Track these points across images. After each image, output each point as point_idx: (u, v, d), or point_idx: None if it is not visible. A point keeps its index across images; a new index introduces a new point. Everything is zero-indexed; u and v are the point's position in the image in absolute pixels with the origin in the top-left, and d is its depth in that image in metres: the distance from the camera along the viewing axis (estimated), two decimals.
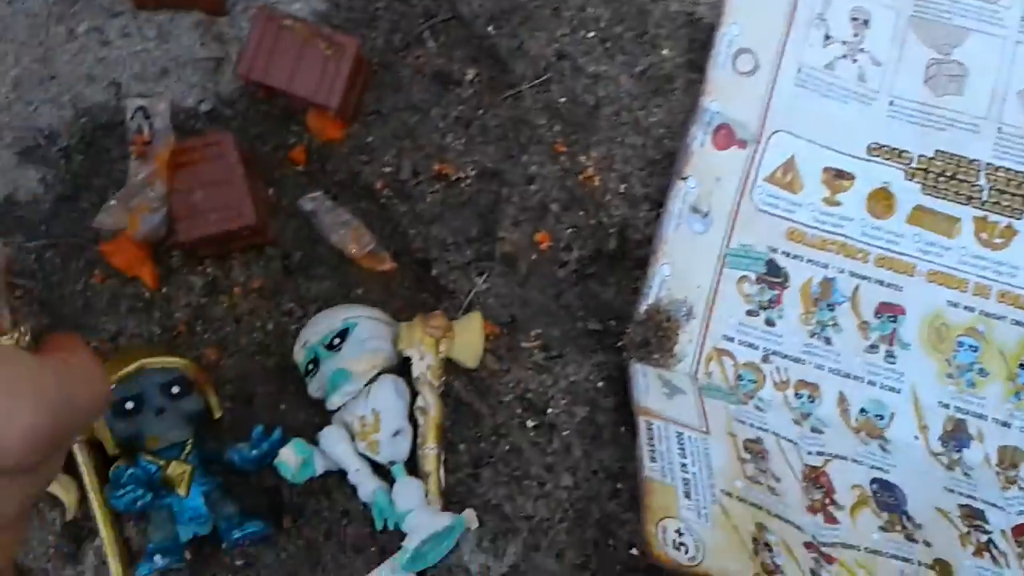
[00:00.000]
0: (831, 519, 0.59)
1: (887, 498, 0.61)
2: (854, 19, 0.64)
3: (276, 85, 0.62)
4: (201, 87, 0.67)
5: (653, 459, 0.57)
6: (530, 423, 0.63)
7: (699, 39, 0.65)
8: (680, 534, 0.53)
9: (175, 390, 0.63)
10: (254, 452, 0.63)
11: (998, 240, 0.64)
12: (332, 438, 0.62)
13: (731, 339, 0.66)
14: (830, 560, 0.56)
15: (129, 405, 0.62)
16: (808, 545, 0.56)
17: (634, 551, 0.61)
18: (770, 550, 0.54)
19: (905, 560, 0.57)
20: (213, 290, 0.68)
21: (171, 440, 0.62)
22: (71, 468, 0.63)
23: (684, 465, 0.58)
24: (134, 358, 0.63)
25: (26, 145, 0.66)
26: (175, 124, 0.66)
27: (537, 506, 0.61)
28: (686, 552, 0.52)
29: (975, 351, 0.65)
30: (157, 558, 0.60)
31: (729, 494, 0.57)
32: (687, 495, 0.56)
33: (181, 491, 0.62)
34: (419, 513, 0.60)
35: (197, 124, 0.68)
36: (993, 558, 0.59)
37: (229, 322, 0.68)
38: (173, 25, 0.67)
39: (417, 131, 0.68)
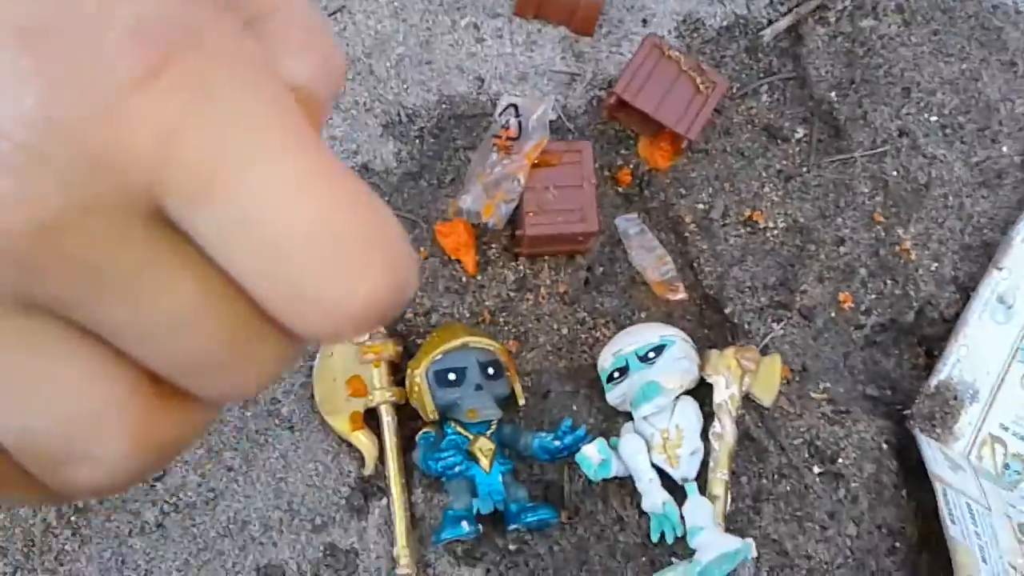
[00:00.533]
0: None
1: None
2: None
3: (644, 108, 0.67)
4: (552, 97, 0.72)
5: (953, 521, 0.60)
6: (816, 469, 0.67)
7: None
8: None
9: (491, 371, 0.67)
10: (557, 443, 0.66)
11: None
12: (632, 446, 0.66)
13: (1006, 428, 0.69)
14: None
15: (452, 376, 0.66)
16: None
17: None
18: None
19: None
20: (522, 286, 0.72)
21: (487, 416, 0.66)
22: (373, 427, 0.68)
23: (977, 533, 0.61)
24: (459, 334, 0.67)
25: (391, 119, 0.71)
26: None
27: (818, 548, 0.64)
28: None
29: None
30: (464, 524, 0.63)
31: (1014, 568, 0.60)
32: (984, 560, 0.59)
33: (484, 466, 0.66)
34: (709, 531, 0.63)
35: None
36: None
37: (531, 319, 0.72)
38: (541, 36, 0.73)
39: (737, 176, 0.73)
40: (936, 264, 0.70)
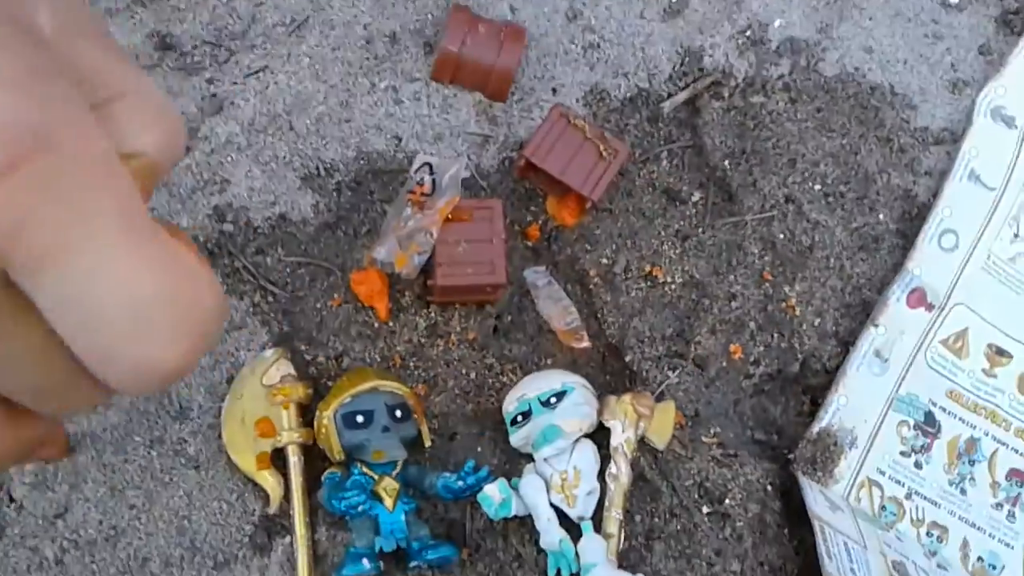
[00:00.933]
0: None
1: None
2: None
3: (551, 171, 0.72)
4: (466, 156, 0.77)
5: (829, 557, 0.64)
6: (705, 509, 0.70)
7: (911, 212, 0.76)
8: None
9: (398, 413, 0.69)
10: (460, 483, 0.69)
11: None
12: (532, 485, 0.69)
13: (883, 472, 0.74)
14: None
15: (359, 418, 0.68)
16: None
17: None
18: None
19: None
20: (433, 333, 0.75)
21: (393, 457, 0.68)
22: (279, 467, 0.69)
23: (852, 570, 0.64)
24: (368, 378, 0.70)
25: (309, 172, 0.75)
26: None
27: None
28: None
29: None
30: (364, 561, 0.65)
31: None
32: None
33: (388, 505, 0.68)
34: (602, 567, 0.66)
35: None
36: None
37: (440, 364, 0.75)
38: (456, 100, 0.78)
39: (639, 234, 0.78)
40: (819, 320, 0.75)
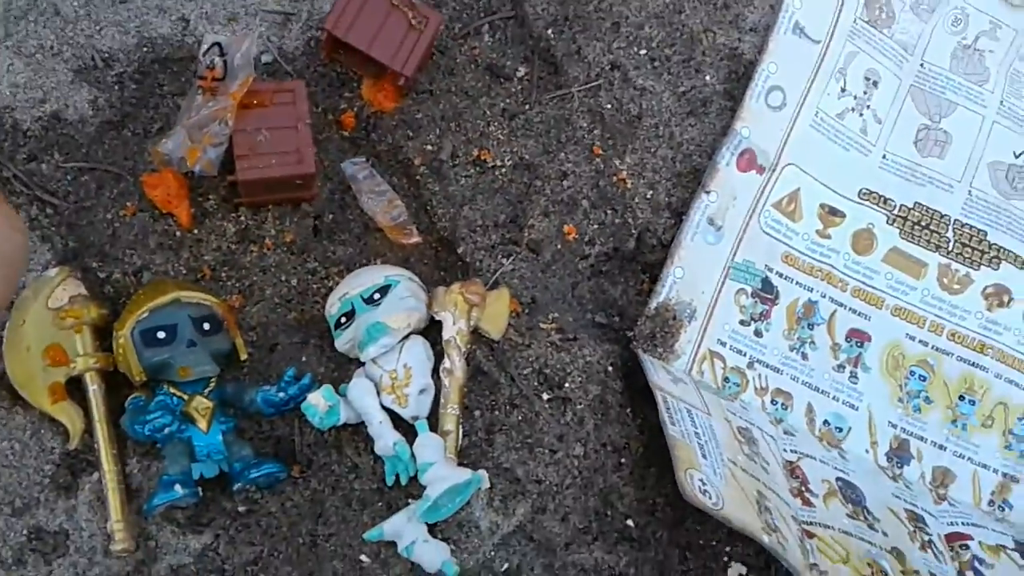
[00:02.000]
0: (808, 503, 0.66)
1: (850, 494, 0.69)
2: (867, 79, 0.74)
3: (356, 44, 0.65)
4: (266, 39, 0.69)
5: (672, 423, 0.62)
6: (546, 396, 0.67)
7: (737, 71, 0.73)
8: (704, 483, 0.58)
9: (206, 326, 0.63)
10: (281, 395, 0.64)
11: (956, 286, 0.74)
12: (360, 389, 0.64)
13: (724, 344, 0.73)
14: (811, 536, 0.63)
15: (161, 335, 0.62)
16: (793, 519, 0.63)
17: (630, 522, 0.66)
18: (770, 514, 0.60)
19: (870, 544, 0.65)
20: (244, 238, 0.69)
21: (202, 374, 0.62)
22: (78, 397, 0.62)
23: (696, 434, 0.63)
24: (168, 290, 0.63)
25: (83, 64, 0.66)
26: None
27: (548, 472, 0.65)
28: (710, 498, 0.57)
29: (924, 380, 0.75)
30: (177, 487, 0.59)
31: (734, 463, 0.63)
32: (703, 456, 0.62)
33: (202, 426, 0.63)
34: (440, 466, 0.63)
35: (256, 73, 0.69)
36: (935, 555, 0.68)
37: (256, 272, 0.69)
38: None
39: (463, 116, 0.73)
40: (651, 192, 0.72)
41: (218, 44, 0.65)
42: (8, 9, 0.65)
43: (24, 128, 0.65)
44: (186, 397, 0.62)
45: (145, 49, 0.67)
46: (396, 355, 0.65)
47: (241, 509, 0.64)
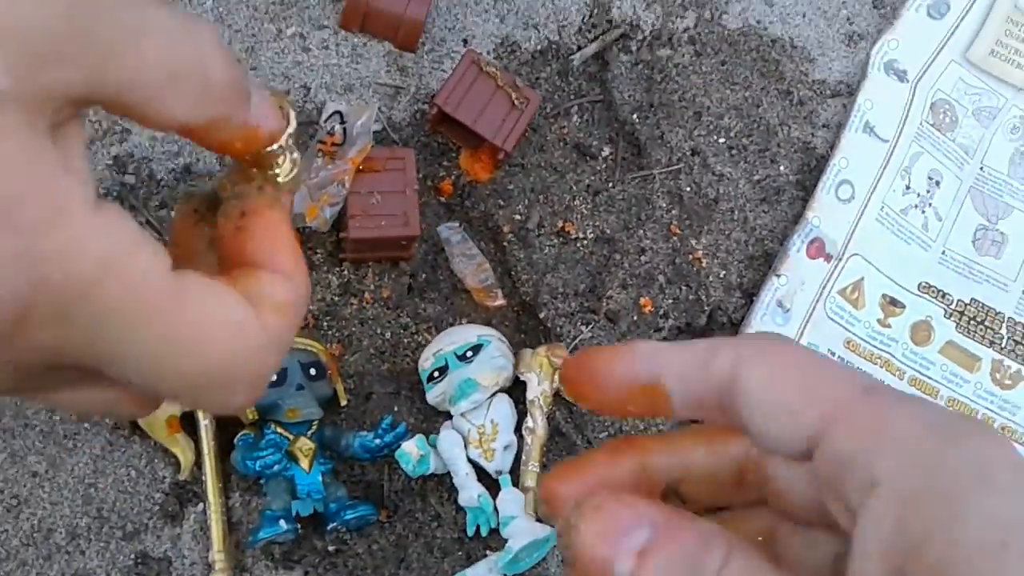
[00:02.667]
0: None
1: None
2: (930, 178, 0.79)
3: (463, 120, 0.71)
4: (377, 109, 0.75)
5: None
6: None
7: (810, 164, 0.79)
8: None
9: (313, 372, 0.68)
10: (377, 441, 0.68)
11: (1008, 381, 0.79)
12: (449, 440, 0.69)
13: None
14: None
15: (272, 376, 0.66)
16: None
17: None
18: None
19: None
20: (346, 291, 0.74)
21: (308, 416, 0.67)
22: (190, 431, 0.67)
23: None
24: None
25: None
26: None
27: None
28: None
29: None
30: (281, 523, 0.64)
31: None
32: None
33: (304, 466, 0.67)
34: (521, 521, 0.67)
35: None
36: None
37: (355, 323, 0.74)
38: (366, 49, 0.75)
39: (551, 189, 0.78)
40: (724, 272, 0.77)
41: (339, 112, 0.71)
42: None
43: (159, 178, 0.70)
44: (291, 437, 0.67)
45: None
46: (484, 411, 0.70)
47: (331, 548, 0.68)
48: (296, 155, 0.27)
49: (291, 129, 0.26)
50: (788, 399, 0.22)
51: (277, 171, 0.26)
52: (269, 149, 0.26)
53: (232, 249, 0.25)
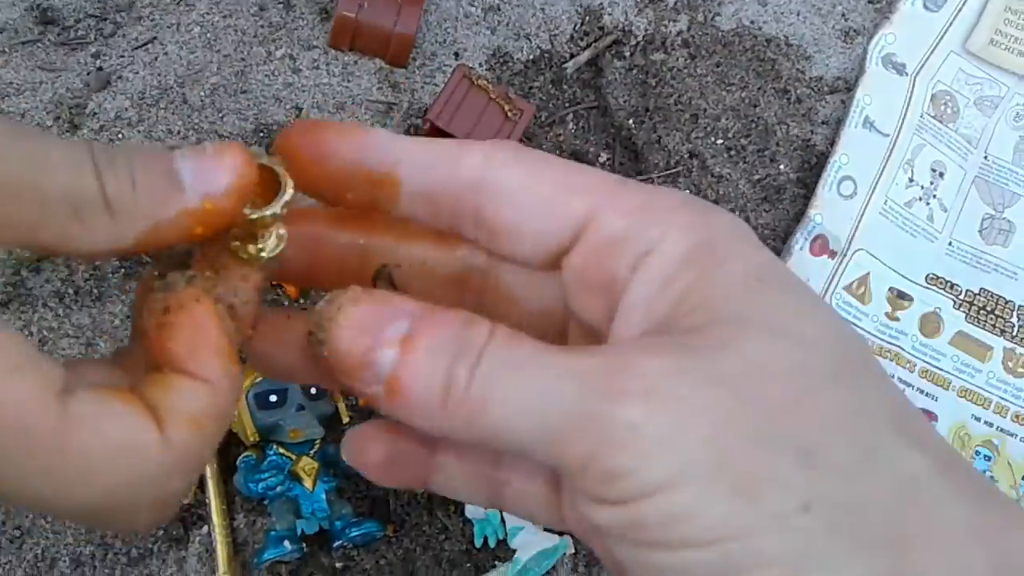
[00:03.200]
0: None
1: None
2: (933, 170, 0.78)
3: (457, 134, 0.71)
4: (370, 126, 0.75)
5: None
6: None
7: (810, 161, 0.78)
8: None
9: (313, 391, 0.68)
10: None
11: (1020, 369, 0.77)
12: None
13: None
14: None
15: (273, 398, 0.66)
16: None
17: None
18: None
19: None
20: None
21: (310, 436, 0.67)
22: None
23: None
24: None
25: None
26: None
27: None
28: None
29: (989, 460, 0.77)
30: (286, 543, 0.63)
31: None
32: None
33: (308, 485, 0.67)
34: (529, 531, 0.66)
35: None
36: None
37: None
38: (356, 67, 0.76)
39: None
40: None
41: None
42: (142, 97, 0.72)
43: None
44: (294, 457, 0.67)
45: (261, 134, 0.73)
46: None
47: (338, 565, 0.68)
48: (283, 230, 0.24)
49: (287, 196, 0.23)
50: (551, 193, 0.22)
51: (261, 245, 0.23)
52: (256, 215, 0.22)
53: (154, 346, 0.22)
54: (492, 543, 0.68)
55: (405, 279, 0.26)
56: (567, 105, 0.79)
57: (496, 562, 0.68)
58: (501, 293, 0.26)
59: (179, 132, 0.72)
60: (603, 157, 0.79)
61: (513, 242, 0.23)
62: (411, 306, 0.22)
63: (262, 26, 0.74)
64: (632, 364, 0.20)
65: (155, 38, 0.74)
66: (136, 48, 0.74)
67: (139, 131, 0.71)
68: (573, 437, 0.20)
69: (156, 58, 0.73)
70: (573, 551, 0.68)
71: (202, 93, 0.72)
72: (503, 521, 0.67)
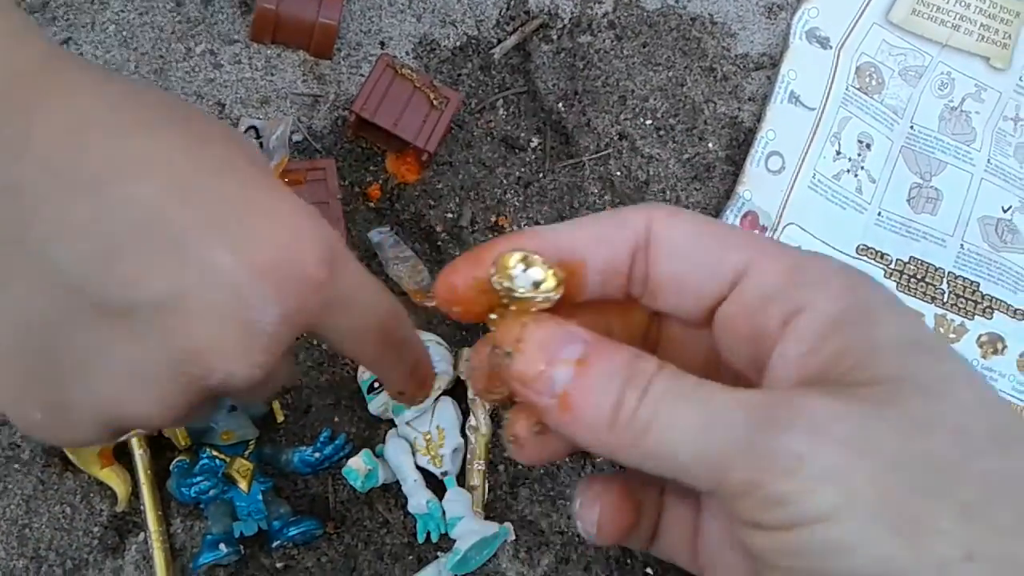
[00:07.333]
0: None
1: None
2: (860, 141, 0.78)
3: (383, 125, 0.70)
4: (296, 119, 0.74)
5: None
6: None
7: (738, 138, 0.78)
8: None
9: None
10: (316, 455, 0.67)
11: (952, 335, 0.78)
12: (396, 449, 0.68)
13: None
14: None
15: None
16: None
17: (648, 571, 0.69)
18: None
19: None
20: None
21: (243, 437, 0.66)
22: (124, 462, 0.66)
23: None
24: None
25: None
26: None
27: (570, 523, 0.68)
28: None
29: None
30: (222, 546, 0.63)
31: None
32: None
33: (243, 487, 0.66)
34: (468, 520, 0.66)
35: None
36: None
37: None
38: (280, 60, 0.74)
39: (481, 185, 0.77)
40: None
41: (254, 127, 0.69)
42: None
43: None
44: (227, 459, 0.66)
45: None
46: (429, 417, 0.69)
47: (279, 565, 0.67)
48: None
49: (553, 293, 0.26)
50: (710, 247, 0.25)
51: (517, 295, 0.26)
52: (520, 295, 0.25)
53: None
54: (435, 537, 0.67)
55: None
56: (496, 91, 0.79)
57: (439, 553, 0.68)
58: (661, 348, 0.29)
59: None
60: (534, 142, 0.78)
61: (677, 296, 0.26)
62: (586, 334, 0.24)
63: (180, 22, 0.73)
64: (798, 402, 0.21)
65: (70, 38, 0.72)
66: None
67: None
68: (737, 463, 0.21)
69: None
70: (514, 537, 0.68)
71: None
72: (444, 514, 0.67)
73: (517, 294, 0.25)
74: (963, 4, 0.82)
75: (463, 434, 0.70)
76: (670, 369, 0.23)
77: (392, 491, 0.69)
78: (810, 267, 0.24)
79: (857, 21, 0.81)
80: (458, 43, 0.80)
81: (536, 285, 0.25)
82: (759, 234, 0.25)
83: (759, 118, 0.77)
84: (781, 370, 0.23)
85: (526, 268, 0.25)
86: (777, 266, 0.24)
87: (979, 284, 0.79)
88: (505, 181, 0.77)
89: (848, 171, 0.78)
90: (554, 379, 0.23)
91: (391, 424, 0.70)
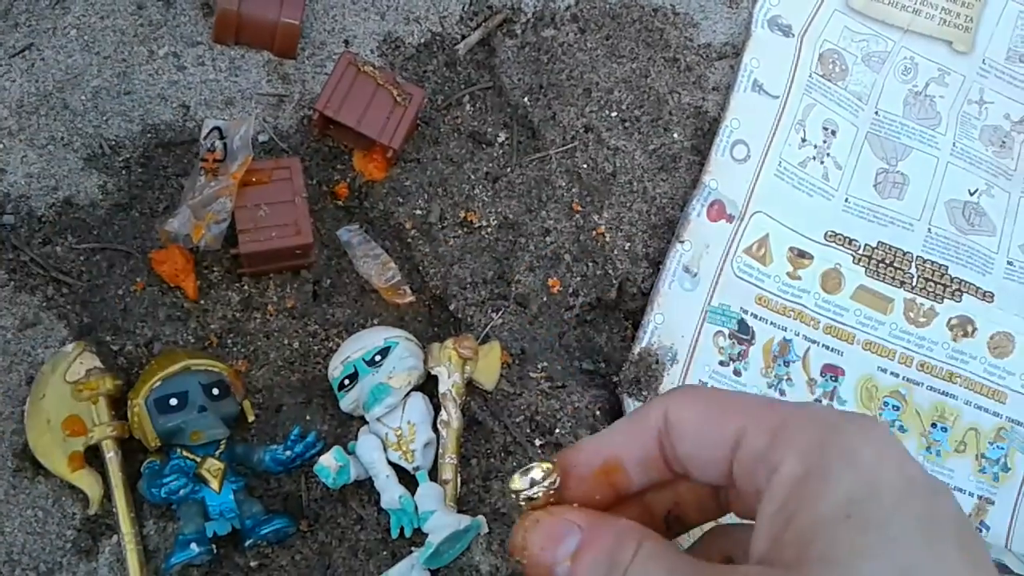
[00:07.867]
0: None
1: None
2: (825, 128, 0.79)
3: (346, 122, 0.70)
4: (262, 120, 0.74)
5: None
6: (538, 442, 0.71)
7: (703, 128, 0.78)
8: None
9: (215, 392, 0.67)
10: (287, 453, 0.67)
11: (922, 319, 0.79)
12: (368, 445, 0.68)
13: (705, 384, 0.76)
14: None
15: (173, 401, 0.65)
16: None
17: None
18: None
19: None
20: (248, 307, 0.73)
21: (213, 437, 0.66)
22: (96, 465, 0.66)
23: None
24: (178, 359, 0.67)
25: (92, 152, 0.70)
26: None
27: None
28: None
29: (897, 410, 0.79)
30: (193, 546, 0.63)
31: None
32: None
33: (214, 487, 0.66)
34: (440, 514, 0.66)
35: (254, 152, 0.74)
36: None
37: (259, 337, 0.73)
38: (244, 61, 0.74)
39: (449, 181, 0.77)
40: (629, 244, 0.77)
41: (218, 128, 0.70)
42: (21, 105, 0.70)
43: (39, 214, 0.69)
44: (198, 459, 0.66)
45: (149, 135, 0.72)
46: (400, 412, 0.69)
47: (253, 564, 0.67)
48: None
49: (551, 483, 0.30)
50: (710, 420, 0.27)
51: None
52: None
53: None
54: (408, 532, 0.68)
55: (683, 515, 0.33)
56: (462, 87, 0.79)
57: (413, 548, 0.68)
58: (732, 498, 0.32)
59: (62, 138, 0.71)
60: (501, 136, 0.79)
61: (699, 470, 0.28)
62: (581, 517, 0.28)
63: (142, 25, 0.73)
64: None
65: (32, 44, 0.72)
66: (13, 56, 0.72)
67: (20, 140, 0.70)
68: None
69: (33, 64, 0.71)
70: (487, 530, 0.68)
71: (84, 97, 0.70)
72: (416, 509, 0.67)
73: (523, 497, 0.30)
74: None
75: (434, 429, 0.70)
76: (648, 548, 0.26)
77: (365, 487, 0.69)
78: (792, 423, 0.26)
79: (819, 8, 0.81)
80: (422, 40, 0.80)
81: (533, 483, 0.29)
82: (755, 396, 0.27)
83: (723, 107, 0.78)
84: (758, 534, 0.26)
85: (524, 473, 0.29)
86: (766, 425, 0.26)
87: (948, 267, 0.79)
88: (473, 176, 0.78)
89: (814, 158, 0.78)
90: (557, 574, 0.28)
91: (363, 421, 0.70)
